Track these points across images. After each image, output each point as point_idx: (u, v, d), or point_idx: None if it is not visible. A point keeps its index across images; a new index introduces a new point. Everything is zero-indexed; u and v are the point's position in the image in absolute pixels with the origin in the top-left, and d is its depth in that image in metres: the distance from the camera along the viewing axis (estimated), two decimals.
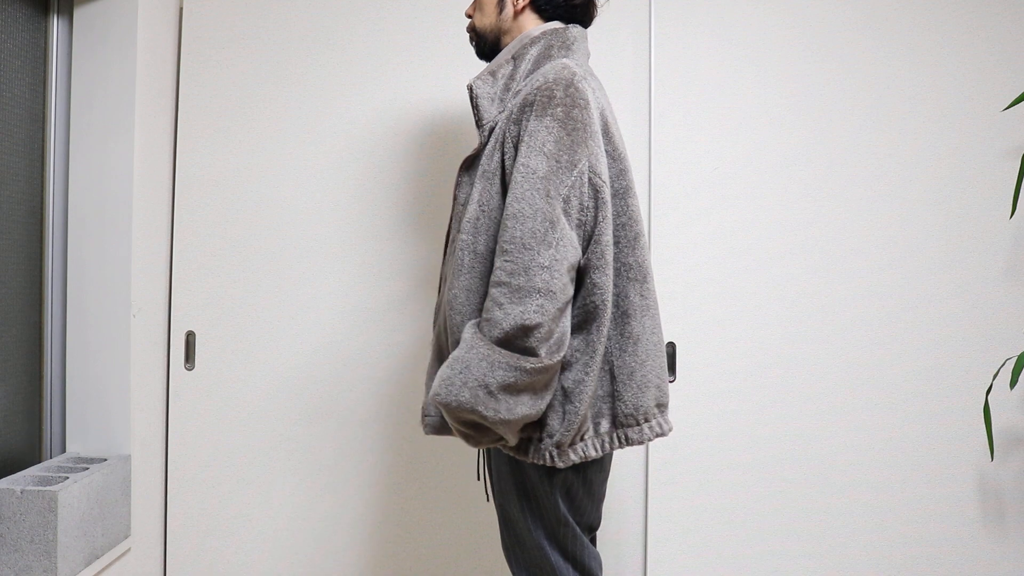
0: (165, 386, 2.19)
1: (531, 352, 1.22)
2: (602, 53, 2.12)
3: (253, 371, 2.17)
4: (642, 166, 2.11)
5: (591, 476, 1.43)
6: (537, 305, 1.20)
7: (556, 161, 1.26)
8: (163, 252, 2.16)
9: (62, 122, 2.01)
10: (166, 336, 2.19)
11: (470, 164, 1.43)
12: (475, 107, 1.41)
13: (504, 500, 1.44)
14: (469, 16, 1.53)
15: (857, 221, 2.07)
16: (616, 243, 1.36)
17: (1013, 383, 1.77)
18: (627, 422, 1.35)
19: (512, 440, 1.30)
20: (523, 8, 1.46)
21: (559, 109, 1.28)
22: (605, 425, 1.35)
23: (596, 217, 1.30)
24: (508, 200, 1.26)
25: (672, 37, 2.11)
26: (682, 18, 2.10)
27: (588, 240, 1.30)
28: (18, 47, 1.88)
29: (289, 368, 2.17)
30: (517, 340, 1.21)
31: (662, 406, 1.40)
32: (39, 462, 1.96)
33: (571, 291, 1.26)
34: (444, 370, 1.25)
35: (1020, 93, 1.92)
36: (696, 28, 2.10)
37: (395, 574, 2.15)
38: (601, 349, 1.32)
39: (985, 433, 2.02)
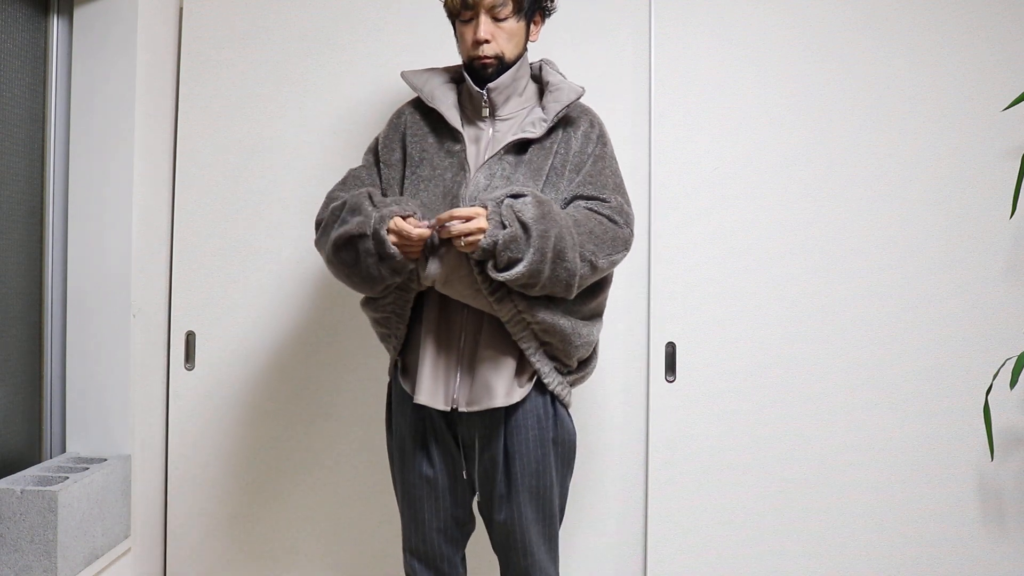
0: (165, 386, 2.19)
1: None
2: (602, 53, 2.12)
3: (253, 371, 2.18)
4: (642, 166, 2.11)
5: None
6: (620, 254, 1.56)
7: (623, 182, 1.63)
8: (163, 252, 2.16)
9: (62, 122, 2.01)
10: (166, 336, 2.19)
11: (519, 147, 1.55)
12: (561, 103, 1.55)
13: (540, 471, 1.53)
14: (486, 41, 1.52)
15: (857, 221, 2.07)
16: None
17: (1013, 383, 1.77)
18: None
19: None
20: (535, 39, 1.63)
21: (610, 138, 1.65)
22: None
23: None
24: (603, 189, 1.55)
25: (672, 37, 2.11)
26: (682, 18, 2.10)
27: None
28: (18, 47, 1.88)
29: (289, 368, 2.17)
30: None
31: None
32: (39, 462, 1.96)
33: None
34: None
35: (1020, 93, 1.92)
36: (696, 28, 2.10)
37: (395, 574, 2.15)
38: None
39: (985, 433, 2.02)
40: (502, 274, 1.39)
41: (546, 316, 1.46)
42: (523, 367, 1.52)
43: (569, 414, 1.60)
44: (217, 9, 2.17)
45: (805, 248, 2.08)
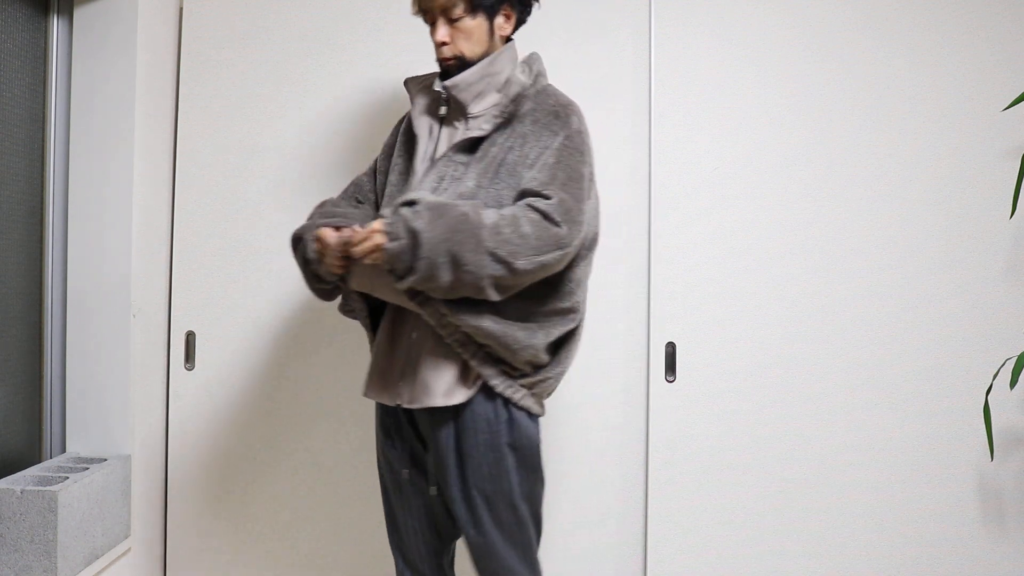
0: (165, 386, 2.19)
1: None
2: (602, 53, 2.12)
3: (253, 371, 2.17)
4: (642, 166, 2.11)
5: None
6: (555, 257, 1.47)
7: (587, 174, 1.52)
8: (163, 252, 2.16)
9: (62, 122, 2.01)
10: (166, 336, 2.19)
11: (469, 146, 1.52)
12: (510, 98, 1.52)
13: (495, 475, 1.50)
14: (444, 44, 1.53)
15: (857, 221, 2.07)
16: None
17: (1013, 383, 1.77)
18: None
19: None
20: (507, 34, 1.60)
21: (585, 131, 1.55)
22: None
23: (595, 234, 1.56)
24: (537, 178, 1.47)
25: (672, 37, 2.11)
26: (682, 18, 2.10)
27: (588, 249, 1.54)
28: (18, 47, 1.88)
29: (289, 368, 2.17)
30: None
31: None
32: (39, 462, 1.96)
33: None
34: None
35: (1020, 93, 1.92)
36: (696, 28, 2.10)
37: (394, 573, 2.15)
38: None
39: (985, 433, 2.02)
40: (401, 283, 1.40)
41: (469, 319, 1.42)
42: (471, 369, 1.49)
43: (533, 419, 1.54)
44: (217, 9, 2.17)
45: (805, 248, 2.08)
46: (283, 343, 2.17)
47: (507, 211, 1.42)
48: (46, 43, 1.98)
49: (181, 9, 2.19)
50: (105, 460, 1.92)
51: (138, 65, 1.99)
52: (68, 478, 1.76)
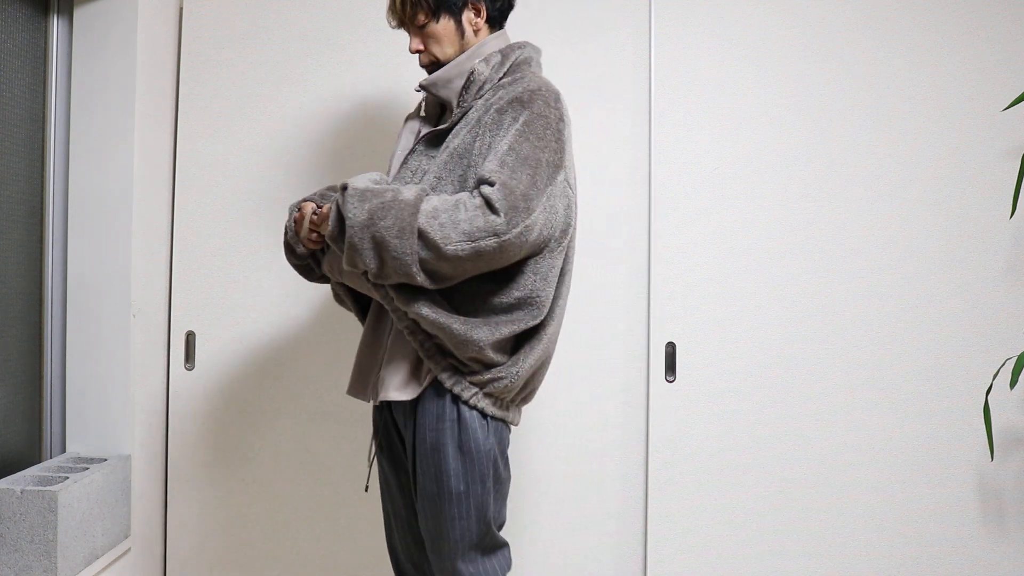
0: (165, 386, 2.19)
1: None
2: (602, 53, 2.12)
3: (253, 371, 2.17)
4: (642, 166, 2.11)
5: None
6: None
7: (546, 160, 1.42)
8: (163, 252, 2.16)
9: (62, 122, 2.01)
10: (166, 336, 2.19)
11: (434, 139, 1.54)
12: (465, 89, 1.52)
13: (437, 476, 1.45)
14: (418, 51, 1.57)
15: (857, 221, 2.07)
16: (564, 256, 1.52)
17: (1013, 383, 1.77)
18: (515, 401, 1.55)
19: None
20: (482, 27, 1.58)
21: (552, 116, 1.45)
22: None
23: (563, 224, 1.47)
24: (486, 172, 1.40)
25: (672, 37, 2.11)
26: (682, 18, 2.10)
27: (549, 240, 1.45)
28: (18, 47, 1.88)
29: (289, 368, 2.17)
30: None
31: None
32: (39, 462, 1.96)
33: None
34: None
35: (1020, 93, 1.92)
36: (696, 28, 2.10)
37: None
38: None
39: (985, 433, 2.02)
40: (342, 265, 1.44)
41: (405, 303, 1.40)
42: (423, 362, 1.47)
43: (490, 421, 1.45)
44: (217, 9, 2.17)
45: (805, 248, 2.08)
46: (283, 343, 2.17)
47: (453, 197, 1.38)
48: (46, 43, 1.98)
49: (181, 9, 2.19)
50: (105, 460, 1.92)
51: (138, 65, 1.99)
52: (68, 478, 1.76)
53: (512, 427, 1.57)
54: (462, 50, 1.56)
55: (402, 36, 2.15)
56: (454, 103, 1.55)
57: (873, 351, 2.07)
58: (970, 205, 2.06)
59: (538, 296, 1.44)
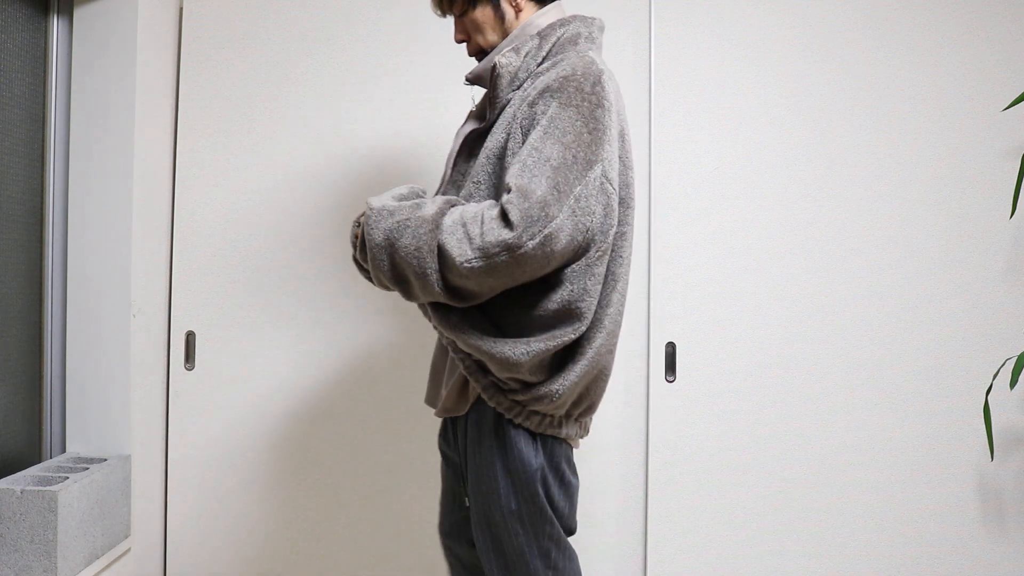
0: (165, 386, 2.19)
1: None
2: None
3: (253, 371, 2.18)
4: (642, 166, 2.11)
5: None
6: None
7: (573, 156, 1.26)
8: (163, 252, 2.16)
9: (62, 122, 2.01)
10: (166, 336, 2.19)
11: (477, 139, 1.44)
12: (493, 84, 1.39)
13: (488, 493, 1.38)
14: (463, 41, 1.50)
15: (857, 221, 2.07)
16: (611, 252, 1.38)
17: (1013, 383, 1.77)
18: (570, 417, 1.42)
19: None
20: (524, 5, 1.46)
21: (585, 105, 1.29)
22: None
23: (602, 225, 1.32)
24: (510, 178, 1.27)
25: (672, 37, 2.11)
26: (682, 18, 2.10)
27: (588, 245, 1.30)
28: (18, 47, 1.88)
29: (289, 368, 2.17)
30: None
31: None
32: (39, 462, 1.96)
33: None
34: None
35: (1020, 93, 1.92)
36: (696, 28, 2.10)
37: (394, 573, 2.15)
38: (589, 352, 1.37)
39: (985, 433, 2.02)
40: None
41: (441, 323, 1.35)
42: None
43: (535, 439, 1.36)
44: (217, 9, 2.17)
45: (805, 248, 2.08)
46: (283, 343, 2.17)
47: (479, 206, 1.27)
48: (46, 43, 1.98)
49: (181, 9, 2.19)
50: (105, 460, 1.92)
51: (138, 65, 1.99)
52: (68, 478, 1.76)
53: (578, 440, 1.46)
54: (505, 34, 1.46)
55: (402, 35, 2.15)
56: (495, 98, 1.41)
57: (873, 351, 2.07)
58: (970, 205, 2.06)
59: (577, 307, 1.31)
